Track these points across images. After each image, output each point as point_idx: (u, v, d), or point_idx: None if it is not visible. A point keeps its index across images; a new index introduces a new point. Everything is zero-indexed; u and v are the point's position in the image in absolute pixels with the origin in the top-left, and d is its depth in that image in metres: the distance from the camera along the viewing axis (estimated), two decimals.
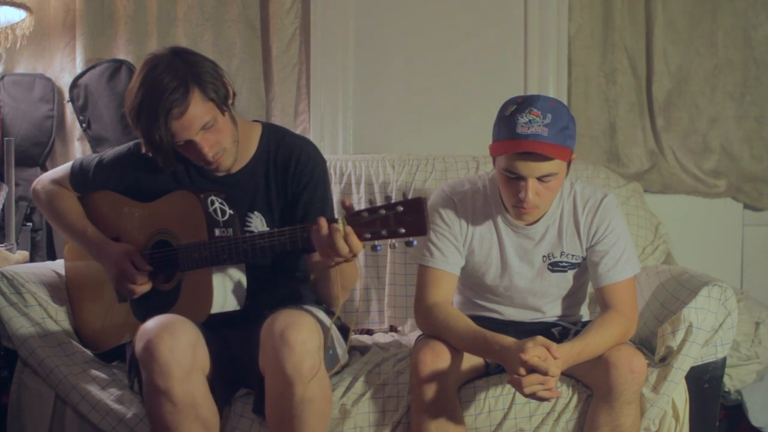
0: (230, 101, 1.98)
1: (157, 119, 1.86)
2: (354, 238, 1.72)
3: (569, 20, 2.98)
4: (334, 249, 1.72)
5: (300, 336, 1.79)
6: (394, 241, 1.69)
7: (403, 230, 1.65)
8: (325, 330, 1.90)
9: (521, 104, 1.93)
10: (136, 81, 1.91)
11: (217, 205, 1.97)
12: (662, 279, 2.21)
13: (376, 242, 1.69)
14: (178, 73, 1.88)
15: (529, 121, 1.90)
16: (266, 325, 1.85)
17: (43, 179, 2.23)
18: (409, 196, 1.67)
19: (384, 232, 1.67)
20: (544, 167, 1.91)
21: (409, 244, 1.67)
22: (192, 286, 1.96)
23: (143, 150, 1.99)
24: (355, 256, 1.75)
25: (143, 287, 2.01)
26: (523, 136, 1.89)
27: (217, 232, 1.92)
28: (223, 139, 1.95)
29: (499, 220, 2.10)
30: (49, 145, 3.03)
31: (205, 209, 1.94)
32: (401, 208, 1.65)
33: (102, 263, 2.08)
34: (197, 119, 1.89)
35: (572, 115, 1.97)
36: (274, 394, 1.84)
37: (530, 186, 1.93)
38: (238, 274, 1.96)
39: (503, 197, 2.04)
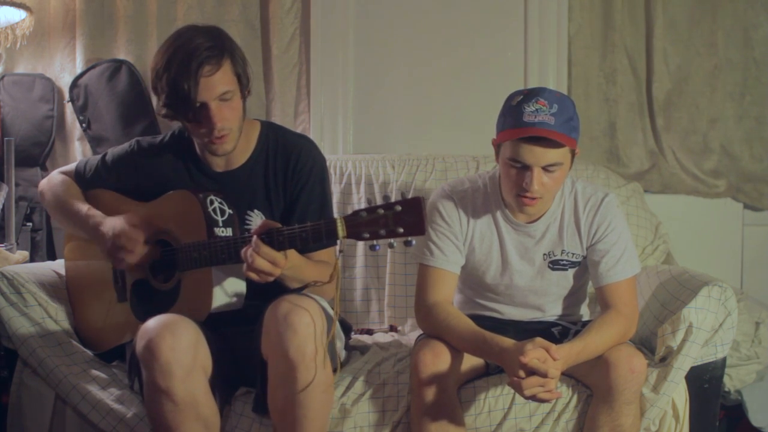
0: (248, 90, 2.02)
1: (189, 69, 1.88)
2: (266, 250, 1.75)
3: (569, 20, 2.98)
4: (253, 267, 1.77)
5: (304, 319, 1.80)
6: (392, 240, 1.69)
7: (401, 230, 1.66)
8: (329, 320, 1.90)
9: (528, 95, 1.95)
10: (166, 43, 1.95)
11: (216, 204, 1.97)
12: (662, 279, 2.21)
13: (375, 242, 1.70)
14: (214, 39, 1.94)
15: (536, 109, 1.90)
16: (269, 310, 1.85)
17: (51, 174, 2.26)
18: (409, 197, 1.67)
19: (382, 232, 1.67)
20: (551, 155, 1.91)
21: (408, 243, 1.68)
22: (191, 285, 1.96)
23: (162, 112, 1.98)
24: (276, 268, 1.78)
25: (136, 255, 1.97)
26: (530, 123, 1.90)
27: (216, 231, 1.93)
28: (233, 119, 1.96)
29: (500, 218, 2.10)
30: (49, 145, 3.03)
31: (204, 209, 1.94)
32: (399, 208, 1.65)
33: (100, 240, 2.03)
34: (221, 84, 1.92)
35: (576, 110, 1.98)
36: (277, 379, 1.84)
37: (535, 175, 1.93)
38: (237, 274, 1.96)
39: (505, 189, 2.04)
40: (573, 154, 1.98)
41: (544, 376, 1.80)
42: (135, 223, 1.99)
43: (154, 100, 2.93)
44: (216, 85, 1.91)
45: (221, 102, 1.93)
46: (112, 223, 2.01)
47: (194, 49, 1.89)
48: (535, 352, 1.81)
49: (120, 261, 2.00)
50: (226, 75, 1.93)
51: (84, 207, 2.11)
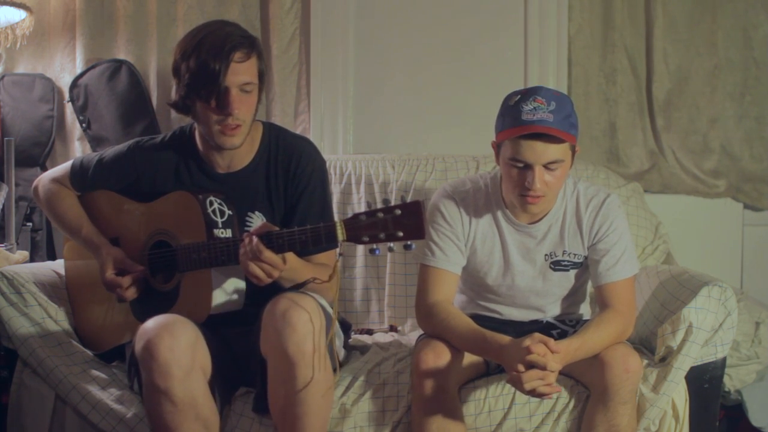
0: (262, 92, 2.04)
1: (221, 51, 1.90)
2: (268, 255, 1.76)
3: (569, 20, 2.98)
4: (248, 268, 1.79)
5: (303, 317, 1.80)
6: (392, 244, 1.69)
7: (401, 234, 1.66)
8: (329, 318, 1.90)
9: (525, 94, 1.96)
10: (195, 29, 1.99)
11: (216, 205, 1.97)
12: (662, 279, 2.21)
13: (375, 246, 1.69)
14: (245, 32, 1.99)
15: (534, 108, 1.91)
16: (268, 307, 1.85)
17: (44, 178, 2.23)
18: (409, 196, 1.67)
19: (382, 236, 1.67)
20: (551, 152, 1.92)
21: (407, 247, 1.67)
22: (191, 286, 1.96)
23: (176, 98, 1.99)
24: (276, 270, 1.80)
25: (129, 292, 2.03)
26: (529, 121, 1.91)
27: (215, 232, 1.92)
28: (248, 113, 1.98)
29: (501, 218, 2.10)
30: (49, 145, 3.03)
31: (203, 210, 1.94)
32: (399, 212, 1.66)
33: (98, 264, 2.08)
34: (247, 74, 1.94)
35: (574, 108, 1.98)
36: (277, 377, 1.84)
37: (537, 173, 1.93)
38: (237, 275, 1.96)
39: (507, 190, 2.04)
40: (573, 151, 1.99)
41: (544, 369, 1.80)
42: (125, 265, 2.03)
43: (155, 98, 2.96)
44: (243, 72, 1.93)
45: (242, 92, 1.95)
46: (102, 266, 2.05)
47: (228, 35, 1.93)
48: (534, 347, 1.82)
49: (118, 298, 2.06)
50: (252, 67, 1.96)
51: (81, 228, 2.13)
